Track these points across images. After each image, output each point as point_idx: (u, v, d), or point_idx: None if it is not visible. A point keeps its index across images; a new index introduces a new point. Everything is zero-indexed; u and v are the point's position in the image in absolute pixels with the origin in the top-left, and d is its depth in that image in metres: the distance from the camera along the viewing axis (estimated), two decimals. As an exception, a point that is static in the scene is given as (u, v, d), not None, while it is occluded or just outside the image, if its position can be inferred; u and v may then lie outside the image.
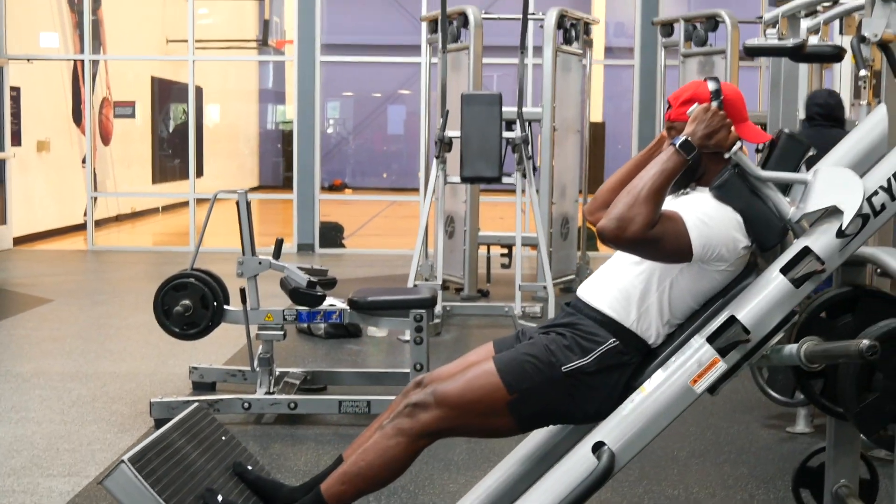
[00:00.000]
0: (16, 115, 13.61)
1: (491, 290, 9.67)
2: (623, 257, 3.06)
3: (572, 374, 2.94)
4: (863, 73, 5.66)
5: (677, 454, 4.96)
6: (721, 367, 2.86)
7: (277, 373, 5.77)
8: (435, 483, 4.49)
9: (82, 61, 14.30)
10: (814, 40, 6.75)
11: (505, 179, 8.35)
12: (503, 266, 9.51)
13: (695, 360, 2.87)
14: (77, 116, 15.95)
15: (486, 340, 3.29)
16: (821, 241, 2.86)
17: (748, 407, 5.78)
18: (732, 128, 2.95)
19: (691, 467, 4.78)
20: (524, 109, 8.66)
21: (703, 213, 2.88)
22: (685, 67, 9.76)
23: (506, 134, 8.34)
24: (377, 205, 20.74)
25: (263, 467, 3.56)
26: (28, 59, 13.98)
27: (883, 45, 3.38)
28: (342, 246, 13.69)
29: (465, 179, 8.22)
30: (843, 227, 2.82)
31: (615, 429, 2.86)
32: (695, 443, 5.15)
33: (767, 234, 2.92)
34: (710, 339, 2.86)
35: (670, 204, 2.97)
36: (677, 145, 2.86)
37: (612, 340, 2.96)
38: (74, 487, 4.39)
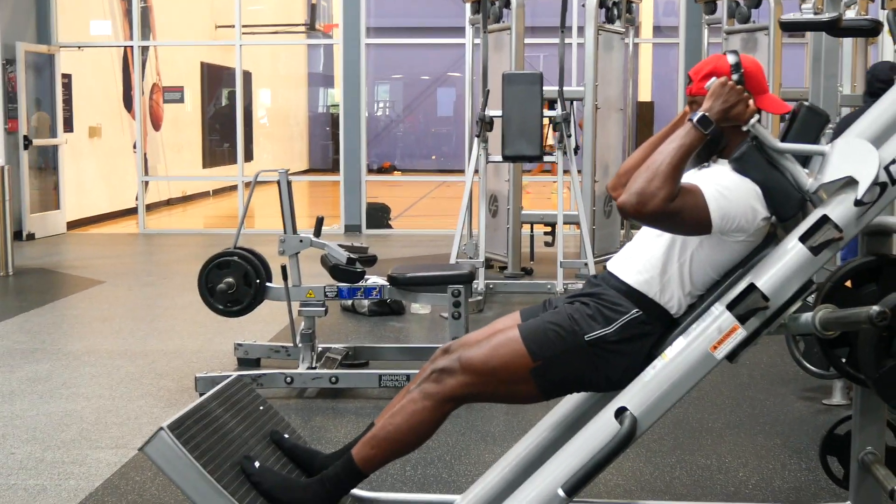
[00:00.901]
0: (67, 102, 13.85)
1: (534, 268, 9.73)
2: (646, 231, 3.12)
3: (595, 342, 3.00)
4: (898, 46, 5.65)
5: (712, 425, 5.01)
6: (741, 333, 2.90)
7: (320, 348, 5.90)
8: (471, 453, 4.58)
9: (132, 48, 14.51)
10: (851, 14, 6.75)
11: (546, 158, 8.41)
12: (546, 244, 9.56)
13: (715, 326, 2.91)
14: (128, 102, 16.20)
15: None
16: (839, 209, 2.89)
17: (785, 380, 5.81)
18: (751, 101, 2.99)
19: (725, 438, 4.83)
20: (566, 88, 8.70)
21: (721, 186, 2.93)
22: (728, 45, 9.72)
23: (547, 113, 8.40)
24: (425, 186, 20.82)
25: (300, 436, 3.66)
26: (79, 47, 14.20)
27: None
28: (389, 227, 13.81)
29: (506, 158, 8.29)
30: (859, 197, 2.86)
31: (637, 394, 2.93)
32: (730, 415, 5.20)
33: (785, 205, 2.96)
34: (730, 307, 2.91)
35: (691, 177, 3.02)
36: (695, 120, 2.92)
37: (635, 311, 3.02)
38: (121, 458, 4.53)
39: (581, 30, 10.80)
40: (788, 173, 2.96)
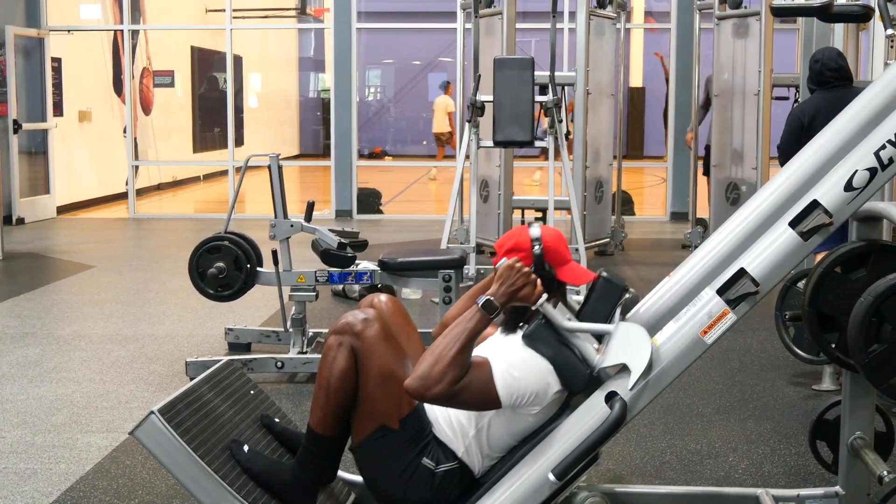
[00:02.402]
0: (57, 86, 13.79)
1: (525, 253, 9.71)
2: None
3: (422, 467, 3.04)
4: (889, 32, 5.63)
5: (702, 410, 5.03)
6: (731, 318, 2.90)
7: (310, 333, 5.90)
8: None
9: (122, 32, 14.46)
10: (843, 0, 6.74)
11: (537, 143, 8.40)
12: (538, 230, 9.53)
13: (706, 311, 2.91)
14: (118, 86, 16.14)
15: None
16: (829, 194, 2.90)
17: (775, 365, 5.83)
18: (539, 282, 2.98)
19: (715, 423, 4.84)
20: (557, 73, 8.69)
21: (511, 364, 2.94)
22: (720, 30, 9.73)
23: (538, 98, 8.39)
24: (416, 171, 20.81)
25: (290, 420, 3.66)
26: (69, 31, 14.14)
27: (911, 4, 3.38)
28: (380, 212, 13.80)
29: (497, 143, 8.28)
30: (630, 388, 2.88)
31: (627, 379, 2.93)
32: (720, 399, 5.21)
33: (574, 381, 2.97)
34: (720, 292, 2.91)
35: (494, 342, 3.10)
36: (480, 304, 2.92)
37: (455, 462, 3.07)
38: (112, 442, 4.53)
39: (573, 15, 10.77)
40: (577, 350, 2.96)
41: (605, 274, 3.09)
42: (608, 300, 3.05)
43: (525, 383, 2.93)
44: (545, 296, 2.97)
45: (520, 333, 3.06)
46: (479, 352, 3.00)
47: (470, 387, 2.88)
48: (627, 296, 3.07)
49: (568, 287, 3.17)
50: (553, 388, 2.97)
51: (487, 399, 2.92)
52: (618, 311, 3.03)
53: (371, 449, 3.07)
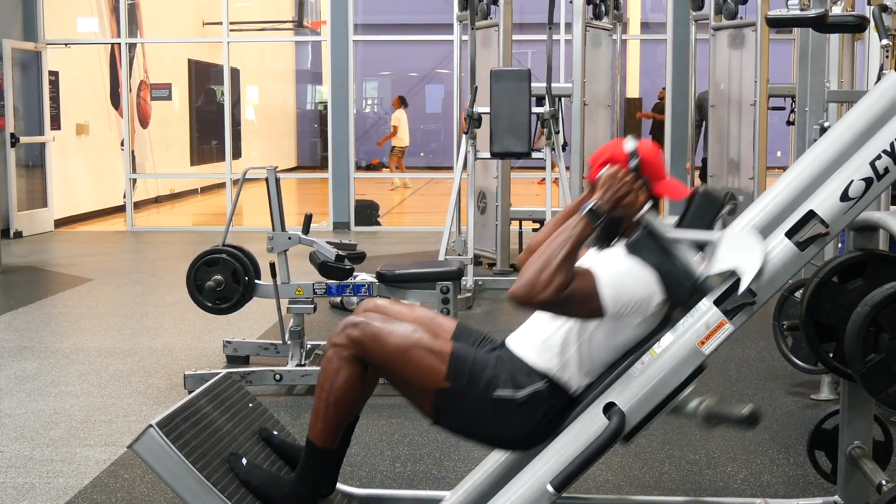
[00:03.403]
0: (55, 100, 13.81)
1: (523, 264, 9.72)
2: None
3: (500, 401, 2.99)
4: (884, 42, 5.65)
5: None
6: (728, 328, 2.90)
7: (308, 346, 5.90)
8: (460, 449, 4.57)
9: (119, 45, 14.49)
10: (838, 10, 6.75)
11: (534, 155, 8.42)
12: (535, 241, 9.54)
13: (703, 322, 2.91)
14: (115, 99, 16.16)
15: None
16: (825, 204, 2.91)
17: (773, 375, 5.84)
18: (643, 190, 3.00)
19: (714, 433, 4.83)
20: (554, 84, 8.71)
21: (616, 272, 2.93)
22: (716, 41, 9.75)
23: (535, 109, 8.40)
24: (414, 183, 20.82)
25: (289, 433, 3.66)
26: (66, 44, 14.16)
27: (905, 14, 3.40)
28: (378, 224, 13.81)
29: (494, 155, 8.30)
30: (740, 291, 2.87)
31: (625, 390, 2.93)
32: (718, 410, 5.21)
33: (678, 292, 2.95)
34: (717, 302, 2.91)
35: (590, 258, 3.06)
36: (584, 212, 2.91)
37: (542, 382, 3.02)
38: (110, 456, 4.52)
39: (569, 26, 10.82)
40: (680, 261, 2.95)
41: (703, 188, 3.09)
42: (707, 213, 3.05)
43: (630, 291, 2.91)
44: (649, 203, 2.97)
45: (618, 246, 3.03)
46: (579, 265, 2.96)
47: (575, 294, 2.85)
48: (728, 207, 3.06)
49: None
50: (656, 298, 2.94)
51: (592, 307, 2.89)
52: (719, 222, 3.03)
53: (445, 415, 3.04)
